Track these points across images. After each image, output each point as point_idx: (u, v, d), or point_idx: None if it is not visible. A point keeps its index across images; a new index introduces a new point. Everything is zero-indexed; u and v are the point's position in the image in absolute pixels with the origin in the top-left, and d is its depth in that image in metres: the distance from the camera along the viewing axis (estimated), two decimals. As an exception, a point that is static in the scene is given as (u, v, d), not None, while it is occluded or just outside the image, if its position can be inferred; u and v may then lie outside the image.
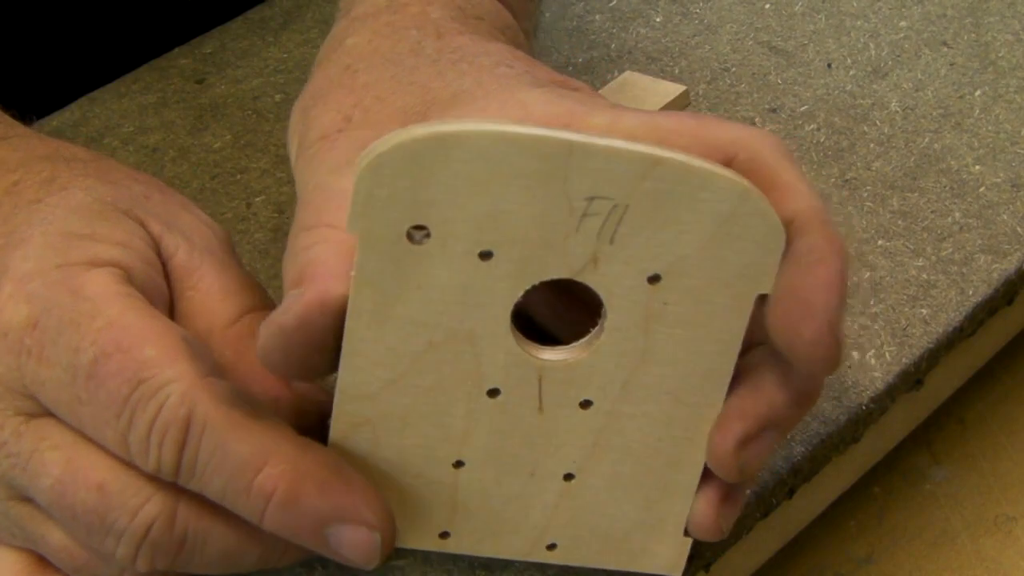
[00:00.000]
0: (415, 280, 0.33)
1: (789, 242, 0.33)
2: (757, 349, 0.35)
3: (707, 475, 0.37)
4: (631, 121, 0.35)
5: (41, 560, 0.38)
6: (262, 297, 0.39)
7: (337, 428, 0.36)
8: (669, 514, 0.37)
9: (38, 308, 0.35)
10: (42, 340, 0.35)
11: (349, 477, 0.35)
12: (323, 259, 0.35)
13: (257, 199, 0.54)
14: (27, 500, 0.36)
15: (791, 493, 0.44)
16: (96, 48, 0.63)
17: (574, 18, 0.62)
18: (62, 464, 0.35)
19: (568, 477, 0.37)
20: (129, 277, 0.36)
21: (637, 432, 0.36)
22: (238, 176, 0.55)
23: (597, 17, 0.62)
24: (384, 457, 0.36)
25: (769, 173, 0.34)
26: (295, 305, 0.34)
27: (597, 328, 0.35)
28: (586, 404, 0.35)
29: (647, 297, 0.34)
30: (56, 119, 0.58)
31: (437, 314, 0.34)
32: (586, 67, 0.59)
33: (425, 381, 0.35)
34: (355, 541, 0.35)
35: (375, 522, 0.35)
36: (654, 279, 0.33)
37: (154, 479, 0.35)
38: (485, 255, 0.33)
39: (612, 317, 0.34)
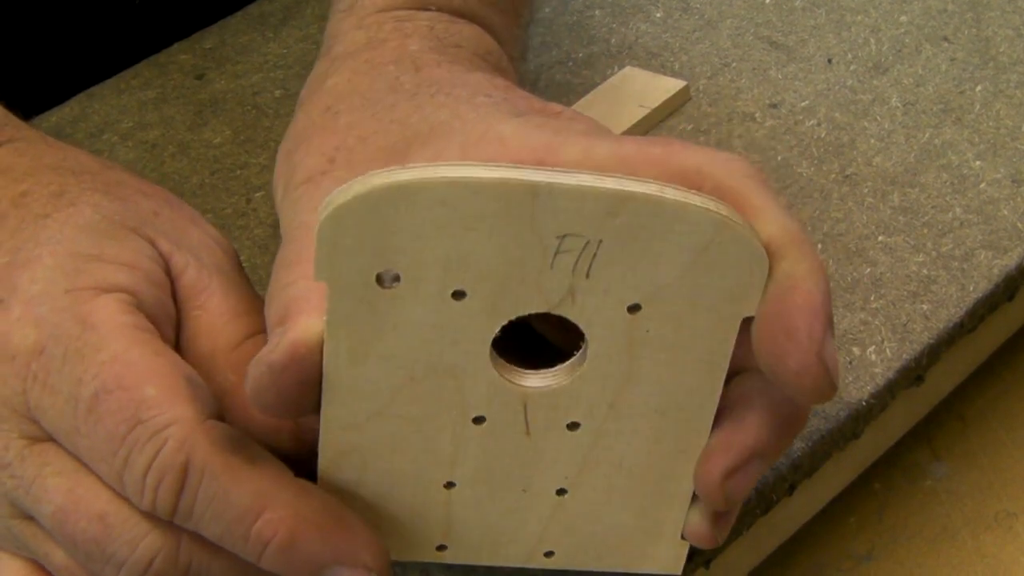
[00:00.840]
0: (390, 321, 0.32)
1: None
2: (741, 377, 0.35)
3: None
4: (602, 152, 0.35)
5: (43, 570, 0.38)
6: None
7: (325, 455, 0.35)
8: (666, 520, 0.37)
9: (45, 334, 0.35)
10: (47, 367, 0.35)
11: (348, 521, 0.35)
12: (305, 295, 0.35)
13: (257, 195, 0.54)
14: (30, 518, 0.36)
15: (791, 490, 0.44)
16: (95, 44, 0.63)
17: (574, 13, 0.62)
18: (64, 492, 0.34)
19: (561, 492, 0.36)
20: (138, 303, 0.36)
21: (627, 448, 0.35)
22: (238, 172, 0.55)
23: (597, 12, 0.62)
24: (374, 480, 0.36)
25: (736, 200, 0.33)
26: (282, 343, 0.33)
27: (580, 354, 0.34)
28: (574, 426, 0.35)
29: (628, 325, 0.33)
30: (55, 115, 0.58)
31: (415, 350, 0.33)
32: (586, 62, 0.59)
33: (409, 412, 0.34)
34: None
35: (372, 564, 0.35)
36: (634, 308, 0.33)
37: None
38: (458, 294, 0.32)
39: (594, 346, 0.33)
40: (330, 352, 0.33)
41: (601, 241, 0.31)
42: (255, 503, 0.34)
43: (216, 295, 0.38)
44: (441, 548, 0.37)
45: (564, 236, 0.31)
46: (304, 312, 0.34)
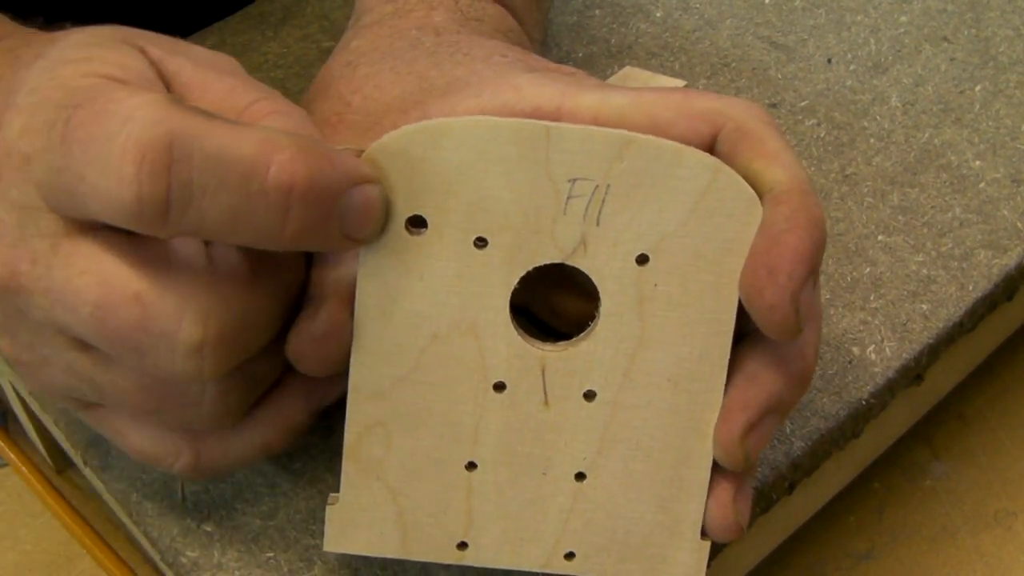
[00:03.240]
0: (416, 271, 0.35)
1: (768, 210, 0.34)
2: (748, 337, 0.36)
3: (715, 475, 0.37)
4: (620, 98, 0.36)
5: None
6: (269, 91, 0.37)
7: (352, 431, 0.36)
8: (685, 515, 0.37)
9: (27, 115, 0.34)
10: (32, 137, 0.33)
11: (330, 147, 0.33)
12: (337, 256, 0.36)
13: (257, 194, 0.54)
14: (87, 347, 0.35)
15: (791, 488, 0.44)
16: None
17: (574, 12, 0.62)
18: (95, 287, 0.33)
19: (580, 477, 0.37)
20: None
21: (643, 424, 0.36)
22: (238, 171, 0.55)
23: (597, 12, 0.62)
24: (399, 462, 0.37)
25: (754, 142, 0.35)
26: (322, 311, 0.35)
27: (595, 318, 0.36)
28: (590, 395, 0.36)
29: (638, 279, 0.35)
30: (55, 114, 0.58)
31: (439, 305, 0.35)
32: (586, 62, 0.59)
33: (433, 377, 0.36)
34: (364, 201, 0.33)
35: (370, 173, 0.33)
36: (642, 260, 0.35)
37: (189, 274, 0.33)
38: (480, 242, 0.34)
39: (606, 302, 0.35)
40: (360, 307, 0.35)
41: (609, 186, 0.34)
42: (261, 150, 0.31)
43: (215, 84, 0.36)
44: (462, 546, 0.37)
45: (575, 180, 0.34)
46: (341, 276, 0.35)
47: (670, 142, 0.34)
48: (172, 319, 0.33)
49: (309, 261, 0.37)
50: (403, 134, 0.33)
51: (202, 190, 0.31)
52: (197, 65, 0.37)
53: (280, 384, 0.38)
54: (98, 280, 0.33)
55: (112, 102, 0.31)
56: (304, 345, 0.35)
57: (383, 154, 0.34)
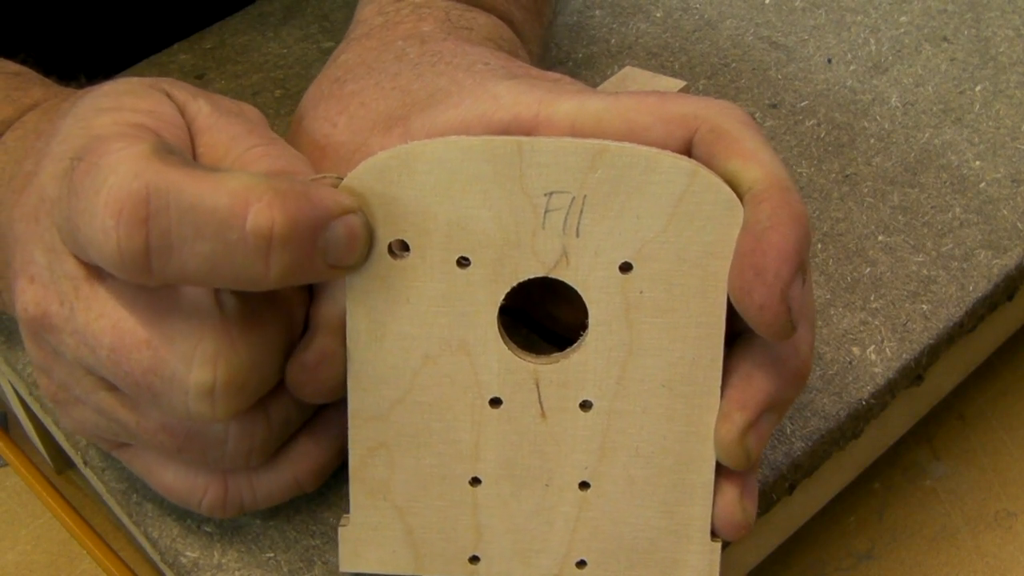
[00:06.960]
0: (403, 294, 0.35)
1: (749, 209, 0.34)
2: (742, 338, 0.36)
3: (720, 475, 0.37)
4: (597, 104, 0.36)
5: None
6: (270, 137, 0.38)
7: (355, 454, 0.37)
8: (692, 518, 0.37)
9: (56, 161, 0.35)
10: (56, 183, 0.34)
11: (303, 178, 0.34)
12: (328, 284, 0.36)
13: (257, 194, 0.53)
14: (112, 387, 0.36)
15: (791, 489, 0.44)
16: (96, 44, 0.63)
17: (574, 13, 0.62)
18: (110, 331, 0.34)
19: (583, 486, 0.37)
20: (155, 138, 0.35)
21: (641, 430, 0.36)
22: (238, 171, 0.55)
23: (597, 12, 0.62)
24: (404, 481, 0.37)
25: (730, 141, 0.35)
26: (313, 341, 0.35)
27: (585, 329, 0.36)
28: (586, 405, 0.36)
29: (623, 287, 0.35)
30: (55, 114, 0.58)
31: (428, 326, 0.35)
32: (586, 62, 0.59)
33: (429, 397, 0.36)
34: (347, 231, 0.33)
35: (350, 203, 0.34)
36: (625, 268, 0.35)
37: (198, 318, 0.33)
38: (462, 262, 0.35)
39: (593, 311, 0.35)
40: (352, 333, 0.35)
41: (585, 197, 0.34)
42: (237, 199, 0.31)
43: (223, 131, 0.38)
44: (474, 560, 0.38)
45: (551, 193, 0.34)
46: (332, 304, 0.36)
47: (644, 148, 0.34)
48: (182, 363, 0.33)
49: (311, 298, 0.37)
50: (377, 161, 0.34)
51: (181, 240, 0.31)
52: (212, 111, 0.38)
53: (311, 421, 0.39)
54: (112, 324, 0.34)
55: (103, 155, 0.32)
56: (299, 374, 0.36)
57: (360, 183, 0.34)
